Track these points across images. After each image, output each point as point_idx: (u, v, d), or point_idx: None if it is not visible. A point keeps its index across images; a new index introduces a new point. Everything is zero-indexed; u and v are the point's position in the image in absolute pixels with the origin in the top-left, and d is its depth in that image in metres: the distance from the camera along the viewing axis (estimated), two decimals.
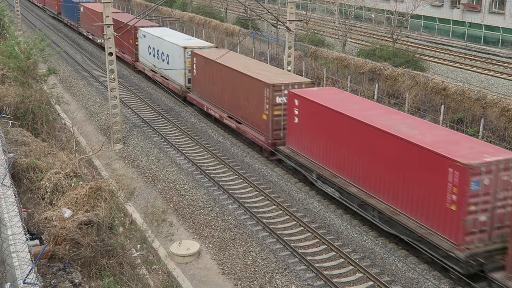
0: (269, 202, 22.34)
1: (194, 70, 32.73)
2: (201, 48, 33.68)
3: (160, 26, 45.98)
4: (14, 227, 13.08)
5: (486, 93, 29.32)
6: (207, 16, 59.81)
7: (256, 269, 17.82)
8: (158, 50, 37.87)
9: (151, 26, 43.57)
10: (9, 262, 11.67)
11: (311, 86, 25.79)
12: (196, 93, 32.87)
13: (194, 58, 32.51)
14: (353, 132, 19.95)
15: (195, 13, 62.72)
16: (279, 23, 32.09)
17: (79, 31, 59.96)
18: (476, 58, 45.08)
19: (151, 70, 39.60)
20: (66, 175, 18.28)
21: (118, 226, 17.71)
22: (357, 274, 17.59)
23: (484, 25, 52.68)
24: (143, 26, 42.04)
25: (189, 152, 27.77)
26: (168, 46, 36.03)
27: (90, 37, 54.93)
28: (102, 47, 47.62)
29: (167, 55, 36.24)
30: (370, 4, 58.66)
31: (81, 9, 57.19)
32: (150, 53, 39.51)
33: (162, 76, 37.45)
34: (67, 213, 15.61)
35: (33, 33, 44.27)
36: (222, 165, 25.96)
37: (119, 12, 53.88)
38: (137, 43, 42.20)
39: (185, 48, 33.52)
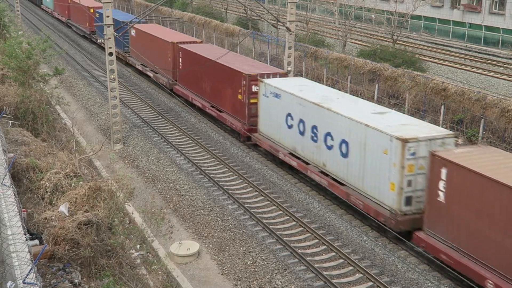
0: (269, 202, 22.34)
1: (441, 191, 16.54)
2: (439, 139, 18.23)
3: (292, 75, 30.76)
4: (14, 227, 13.08)
5: (486, 94, 29.33)
6: (207, 16, 59.83)
7: (256, 270, 17.82)
8: (316, 127, 21.91)
9: (277, 75, 26.88)
10: (8, 262, 11.67)
11: None
12: (446, 238, 16.76)
13: (444, 171, 16.40)
14: None
15: (195, 13, 62.75)
16: (279, 23, 32.11)
17: (127, 62, 45.24)
18: (476, 59, 45.10)
19: (292, 154, 23.89)
20: (66, 175, 18.29)
21: (118, 226, 17.72)
22: (357, 274, 17.59)
23: (484, 25, 52.69)
24: (263, 74, 26.45)
25: (189, 152, 27.78)
26: (349, 127, 20.00)
27: (150, 74, 39.60)
28: (174, 93, 35.30)
29: (343, 142, 20.37)
30: (370, 4, 58.71)
31: (133, 32, 42.61)
32: (290, 126, 23.78)
33: (323, 173, 21.96)
34: (64, 207, 15.60)
35: (34, 34, 44.26)
36: (222, 165, 25.96)
37: (200, 43, 37.97)
38: (253, 100, 26.56)
39: (405, 142, 17.69)
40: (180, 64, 34.72)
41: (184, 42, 35.58)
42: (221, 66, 29.22)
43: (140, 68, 41.74)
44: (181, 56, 34.50)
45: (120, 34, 28.83)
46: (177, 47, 34.98)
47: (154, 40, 38.56)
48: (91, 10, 51.88)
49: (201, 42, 37.59)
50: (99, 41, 50.77)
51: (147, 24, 45.68)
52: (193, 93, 33.09)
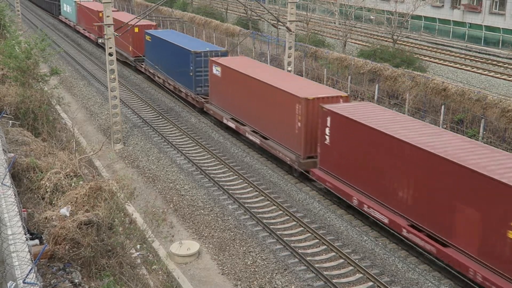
0: (269, 202, 22.34)
1: None
2: None
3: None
4: (14, 227, 13.07)
5: (487, 94, 29.33)
6: (208, 16, 59.86)
7: (256, 270, 17.82)
8: None
9: None
10: (9, 262, 11.66)
11: None
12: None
13: None
14: None
15: (196, 13, 62.77)
16: (279, 23, 32.11)
17: (204, 110, 31.78)
18: (477, 59, 45.11)
19: None
20: (66, 175, 18.27)
21: (118, 226, 17.72)
22: (357, 274, 17.59)
23: (484, 25, 52.71)
24: None
25: (189, 152, 27.78)
26: None
27: (254, 139, 26.49)
28: (309, 179, 23.54)
29: None
30: (370, 4, 58.72)
31: (215, 70, 29.79)
32: None
33: None
34: (65, 210, 15.60)
35: (34, 33, 44.16)
36: (222, 165, 25.96)
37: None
38: None
39: None
40: (327, 136, 21.46)
41: (325, 99, 22.60)
42: (454, 165, 16.15)
43: (232, 125, 28.39)
44: (329, 124, 21.25)
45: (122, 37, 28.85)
46: (319, 108, 21.82)
47: (263, 88, 25.31)
48: (136, 30, 39.68)
49: (347, 97, 23.34)
50: (157, 79, 37.83)
51: (235, 58, 33.41)
52: (360, 193, 20.08)
